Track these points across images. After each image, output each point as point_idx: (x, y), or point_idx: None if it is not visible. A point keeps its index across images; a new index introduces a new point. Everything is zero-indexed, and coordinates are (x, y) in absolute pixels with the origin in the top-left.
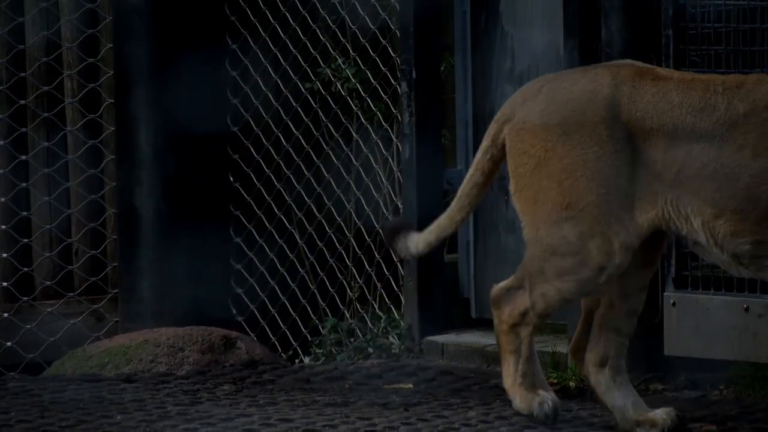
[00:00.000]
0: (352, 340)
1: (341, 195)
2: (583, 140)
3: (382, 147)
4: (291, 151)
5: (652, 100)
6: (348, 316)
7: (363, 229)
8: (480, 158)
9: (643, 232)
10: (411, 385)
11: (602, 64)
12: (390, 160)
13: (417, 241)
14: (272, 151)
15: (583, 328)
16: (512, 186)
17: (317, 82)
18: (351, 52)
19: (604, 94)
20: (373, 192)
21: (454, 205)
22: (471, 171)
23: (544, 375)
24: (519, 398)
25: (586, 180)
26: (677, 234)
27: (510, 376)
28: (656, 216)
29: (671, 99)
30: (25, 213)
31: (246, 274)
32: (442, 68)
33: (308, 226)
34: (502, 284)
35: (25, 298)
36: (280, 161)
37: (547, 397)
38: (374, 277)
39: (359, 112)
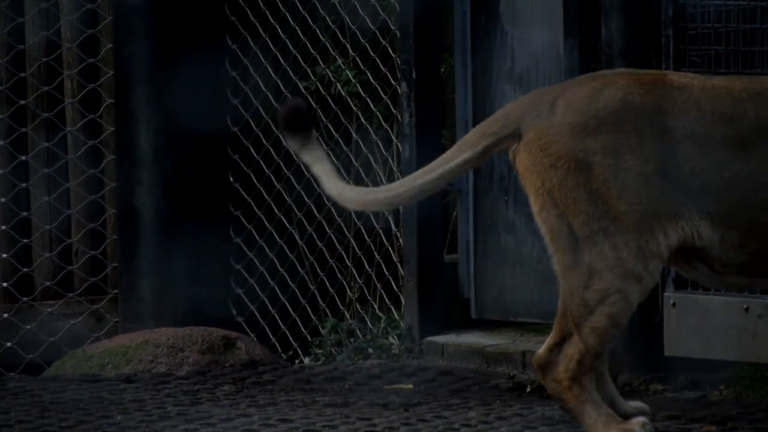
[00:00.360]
0: (352, 340)
1: None
2: (615, 149)
3: (382, 147)
4: (291, 151)
5: (684, 108)
6: (348, 316)
7: (363, 230)
8: (452, 168)
9: (671, 244)
10: (411, 386)
11: (607, 72)
12: (390, 160)
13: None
14: (272, 151)
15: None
16: (536, 206)
17: (316, 82)
18: (351, 52)
19: (636, 103)
20: None
21: (382, 197)
22: (430, 177)
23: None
24: None
25: (618, 189)
26: (697, 246)
27: (595, 423)
28: (684, 227)
29: (702, 107)
30: (25, 213)
31: (246, 275)
32: (442, 68)
33: (308, 227)
34: (543, 348)
35: (25, 299)
36: (280, 161)
37: (640, 420)
38: (374, 278)
39: (359, 113)
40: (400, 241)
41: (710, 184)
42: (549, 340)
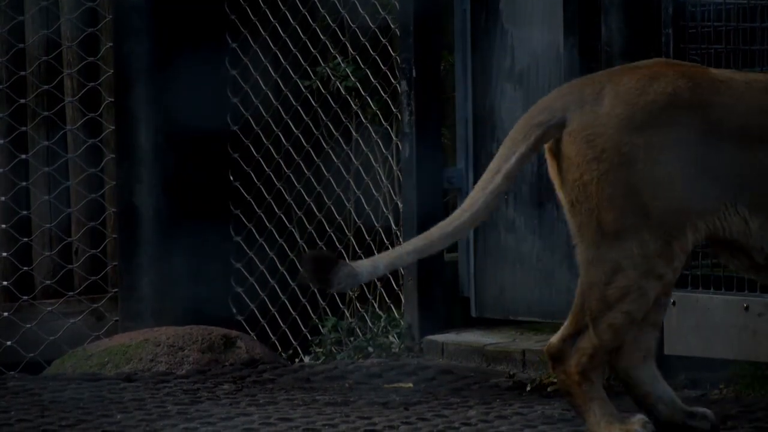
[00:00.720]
0: (352, 339)
1: (341, 194)
2: (660, 146)
3: (381, 146)
4: (291, 150)
5: (729, 103)
6: (348, 315)
7: (363, 228)
8: (512, 167)
9: (699, 238)
10: (411, 385)
11: (650, 63)
12: (390, 158)
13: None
14: (272, 150)
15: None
16: (571, 197)
17: (317, 81)
18: (351, 51)
19: (685, 98)
20: (373, 191)
21: (466, 217)
22: (498, 181)
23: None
24: None
25: (656, 187)
26: (729, 239)
27: (599, 422)
28: (714, 221)
29: (745, 100)
30: (25, 212)
31: (246, 273)
32: (442, 66)
33: (308, 225)
34: (557, 337)
35: (25, 297)
36: (280, 160)
37: (641, 418)
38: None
39: (359, 111)
40: (401, 239)
41: (750, 176)
42: (563, 330)
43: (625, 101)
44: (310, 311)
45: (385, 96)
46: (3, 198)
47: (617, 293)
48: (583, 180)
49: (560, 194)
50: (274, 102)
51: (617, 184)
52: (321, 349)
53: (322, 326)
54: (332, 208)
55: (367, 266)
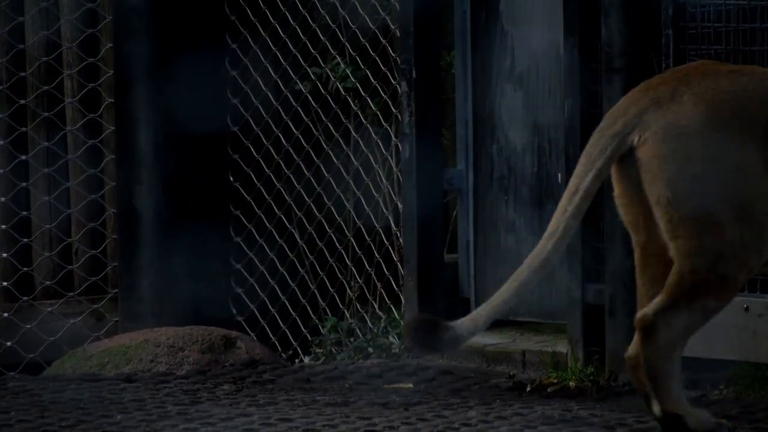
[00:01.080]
0: (352, 339)
1: (341, 195)
2: (745, 139)
3: (381, 146)
4: (291, 150)
5: None
6: (348, 315)
7: (363, 229)
8: (590, 185)
9: None
10: (411, 385)
11: (709, 62)
12: (390, 159)
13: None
14: (272, 150)
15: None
16: (667, 197)
17: (316, 81)
18: (351, 51)
19: (757, 91)
20: (373, 192)
21: (551, 246)
22: (577, 201)
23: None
24: (695, 419)
25: (744, 179)
26: None
27: (674, 399)
28: None
29: None
30: (25, 213)
31: (246, 274)
32: (441, 63)
33: (308, 226)
34: (651, 309)
35: (25, 298)
36: (280, 161)
37: (708, 414)
38: (374, 277)
39: (359, 112)
40: (400, 240)
41: None
42: (657, 304)
43: (705, 99)
44: (310, 312)
45: (384, 97)
46: (3, 199)
47: (718, 280)
48: (674, 179)
49: (624, 195)
50: (274, 103)
51: (711, 180)
52: (321, 350)
53: (322, 327)
54: (332, 208)
55: (468, 326)
